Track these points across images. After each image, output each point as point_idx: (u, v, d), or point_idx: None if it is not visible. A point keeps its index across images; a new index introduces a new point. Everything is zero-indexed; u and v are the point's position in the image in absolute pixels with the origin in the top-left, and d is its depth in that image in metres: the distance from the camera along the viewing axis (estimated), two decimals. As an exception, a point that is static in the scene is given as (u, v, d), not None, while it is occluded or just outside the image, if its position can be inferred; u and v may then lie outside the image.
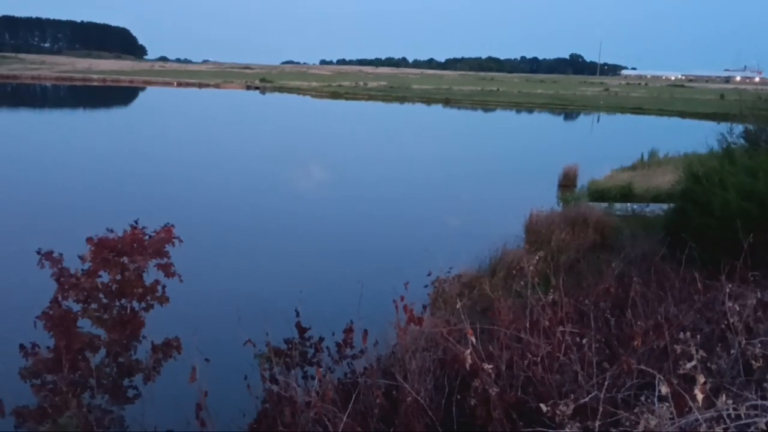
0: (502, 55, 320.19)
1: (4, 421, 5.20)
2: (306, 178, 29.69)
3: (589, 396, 4.09)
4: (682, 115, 79.87)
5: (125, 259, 6.58)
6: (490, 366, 4.53)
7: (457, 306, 5.15)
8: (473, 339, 4.67)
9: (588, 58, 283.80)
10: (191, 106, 78.45)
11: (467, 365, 4.44)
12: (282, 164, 33.37)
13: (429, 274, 8.29)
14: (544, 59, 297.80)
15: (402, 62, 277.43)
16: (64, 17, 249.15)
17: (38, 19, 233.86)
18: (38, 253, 6.35)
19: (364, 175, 30.82)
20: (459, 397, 4.78)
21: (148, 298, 6.70)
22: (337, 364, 5.89)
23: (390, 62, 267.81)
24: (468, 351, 4.47)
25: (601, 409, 3.88)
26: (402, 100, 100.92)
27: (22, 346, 6.08)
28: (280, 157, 36.04)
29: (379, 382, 5.09)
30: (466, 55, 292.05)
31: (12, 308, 9.85)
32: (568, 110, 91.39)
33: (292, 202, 23.60)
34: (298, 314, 6.43)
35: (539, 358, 4.93)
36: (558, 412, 3.83)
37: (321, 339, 6.14)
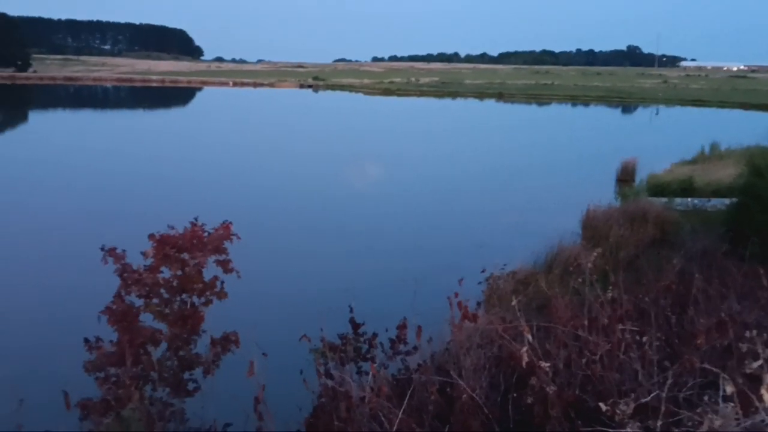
0: (557, 48, 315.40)
1: (69, 414, 5.36)
2: (359, 174, 29.82)
3: (651, 395, 3.99)
4: (744, 106, 77.13)
5: (185, 256, 6.73)
6: (548, 364, 4.47)
7: (513, 303, 5.09)
8: (530, 336, 4.61)
9: (646, 50, 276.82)
10: (247, 106, 79.67)
11: (524, 363, 4.39)
12: (336, 161, 33.58)
13: (483, 271, 8.23)
14: (601, 51, 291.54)
15: (454, 57, 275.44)
16: (123, 20, 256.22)
17: (99, 22, 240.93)
18: (102, 249, 6.54)
19: (418, 171, 30.77)
20: (515, 395, 4.73)
21: (208, 293, 6.84)
22: (391, 360, 5.91)
23: (442, 58, 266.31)
24: (524, 349, 4.42)
25: (663, 408, 3.78)
26: (454, 95, 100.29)
27: (86, 340, 6.27)
28: (335, 154, 36.29)
29: (434, 378, 5.07)
30: (520, 49, 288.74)
31: (79, 303, 10.19)
32: (626, 103, 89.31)
33: (347, 200, 23.74)
34: (351, 310, 6.47)
35: (598, 357, 4.84)
36: (618, 411, 3.75)
37: (375, 335, 6.16)
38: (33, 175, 26.34)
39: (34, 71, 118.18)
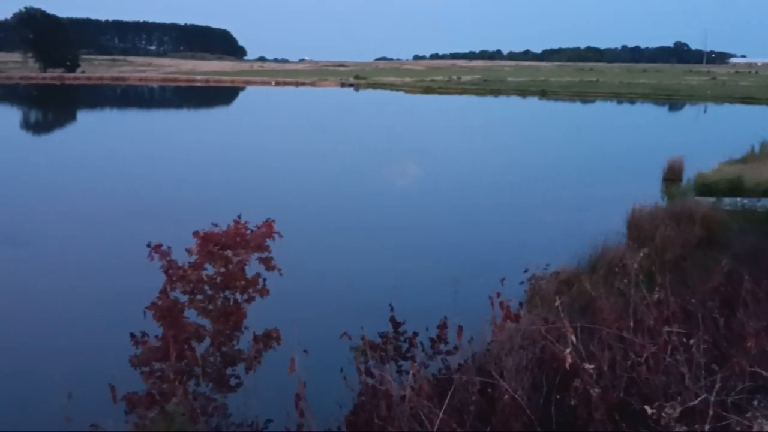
0: (601, 45, 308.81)
1: (115, 407, 5.47)
2: (400, 172, 29.81)
3: (698, 399, 3.90)
4: (797, 103, 74.88)
5: (229, 253, 6.81)
6: (592, 366, 4.40)
7: (556, 303, 5.02)
8: (573, 338, 4.54)
9: (693, 46, 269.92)
10: (288, 104, 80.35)
11: (567, 364, 4.33)
12: (376, 159, 33.64)
13: (525, 271, 8.14)
14: (647, 48, 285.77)
15: (497, 55, 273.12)
16: (169, 20, 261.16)
17: (145, 23, 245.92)
18: (148, 246, 6.67)
19: (459, 169, 30.64)
20: (558, 397, 4.67)
21: (250, 290, 6.91)
22: (431, 360, 5.88)
23: (484, 55, 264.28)
24: (568, 350, 4.36)
25: (710, 412, 3.69)
26: (496, 93, 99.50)
27: (132, 335, 6.40)
28: (375, 152, 36.35)
29: (475, 379, 5.04)
30: (564, 46, 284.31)
31: (124, 298, 10.40)
32: (673, 101, 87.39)
33: (388, 197, 23.77)
34: (392, 309, 6.47)
35: (644, 359, 4.74)
36: (664, 414, 3.68)
37: (415, 334, 6.15)
38: (81, 173, 27.00)
39: (83, 72, 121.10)
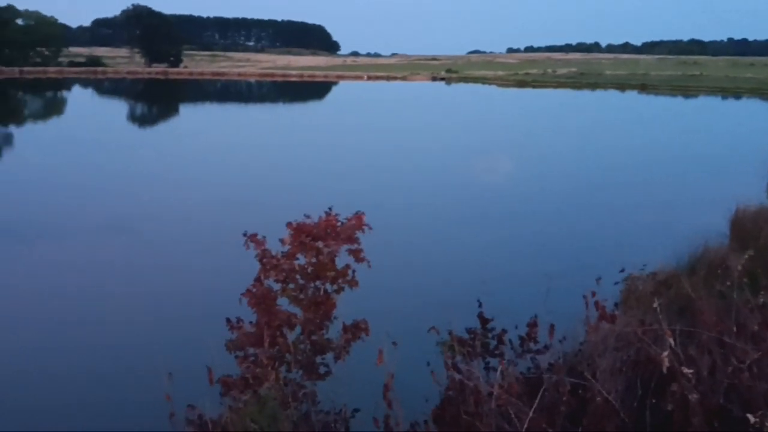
0: (705, 37, 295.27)
1: (211, 389, 5.68)
2: (492, 168, 29.50)
3: (806, 411, 3.67)
4: None
5: (320, 244, 6.94)
6: (691, 370, 4.22)
7: (654, 305, 4.84)
8: (672, 341, 4.37)
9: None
10: (379, 98, 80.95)
11: (664, 368, 4.17)
12: (469, 155, 33.43)
13: (622, 270, 7.89)
14: (755, 40, 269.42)
15: (594, 47, 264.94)
16: (267, 17, 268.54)
17: (244, 20, 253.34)
18: (244, 235, 6.89)
19: (553, 165, 30.03)
20: (654, 401, 4.51)
21: (340, 281, 7.02)
22: (520, 358, 5.80)
23: (581, 48, 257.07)
24: (666, 353, 4.20)
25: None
26: (593, 87, 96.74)
27: (228, 320, 6.63)
28: (467, 147, 36.12)
29: (566, 379, 4.93)
30: (665, 38, 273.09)
31: (220, 284, 10.81)
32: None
33: (479, 193, 23.58)
34: (480, 305, 6.42)
35: (746, 365, 4.50)
36: (768, 424, 3.49)
37: (504, 331, 6.07)
38: (184, 164, 28.18)
39: (185, 67, 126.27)
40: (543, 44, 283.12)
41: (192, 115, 58.64)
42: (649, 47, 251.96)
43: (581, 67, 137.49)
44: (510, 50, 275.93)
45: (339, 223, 7.18)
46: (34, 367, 8.93)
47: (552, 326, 5.45)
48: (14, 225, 16.89)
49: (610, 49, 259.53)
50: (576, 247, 15.77)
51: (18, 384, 8.44)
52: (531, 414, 4.20)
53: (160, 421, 5.24)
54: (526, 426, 4.16)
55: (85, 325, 10.43)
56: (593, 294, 5.37)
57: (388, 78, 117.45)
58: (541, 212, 20.23)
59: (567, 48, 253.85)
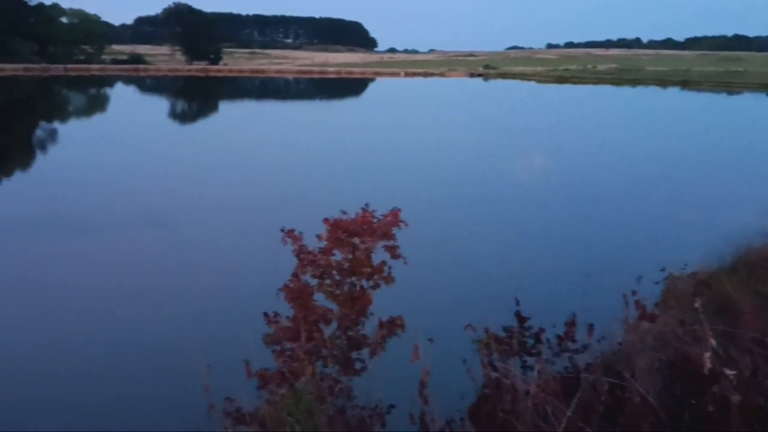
0: (750, 32, 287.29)
1: (248, 382, 5.75)
2: (528, 163, 29.25)
3: None
4: None
5: (356, 240, 6.97)
6: (733, 372, 4.13)
7: (696, 305, 4.75)
8: (713, 341, 4.28)
9: None
10: (415, 95, 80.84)
11: (705, 369, 4.09)
12: (505, 150, 33.20)
13: (663, 270, 7.77)
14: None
15: (635, 43, 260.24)
16: (305, 14, 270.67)
17: (283, 17, 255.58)
18: (282, 230, 6.95)
19: (592, 161, 29.65)
20: (693, 402, 4.43)
21: (376, 277, 7.04)
22: (557, 357, 5.74)
23: (622, 43, 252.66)
24: (707, 354, 4.12)
25: None
26: (634, 83, 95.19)
27: (265, 314, 6.70)
28: (503, 143, 35.88)
29: (604, 379, 4.87)
30: (709, 33, 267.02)
31: (258, 278, 10.91)
32: (832, 92, 79.97)
33: (516, 189, 23.41)
34: (517, 303, 6.37)
35: (790, 367, 4.40)
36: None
37: (542, 330, 6.02)
38: (223, 160, 28.51)
39: (225, 64, 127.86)
40: (583, 40, 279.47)
41: (231, 112, 59.32)
42: (692, 43, 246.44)
43: (621, 63, 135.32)
44: (549, 46, 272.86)
45: (375, 220, 7.21)
46: (74, 362, 9.14)
47: (591, 325, 5.38)
48: (55, 220, 17.31)
49: (652, 44, 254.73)
50: (615, 245, 15.55)
51: (59, 380, 8.65)
52: (568, 413, 4.16)
53: (199, 414, 5.32)
54: (564, 425, 4.12)
55: (125, 321, 10.63)
56: (634, 293, 5.30)
57: (425, 74, 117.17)
58: (577, 208, 19.99)
59: (607, 44, 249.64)
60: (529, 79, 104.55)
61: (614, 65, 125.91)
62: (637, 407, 4.38)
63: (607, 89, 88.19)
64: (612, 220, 18.53)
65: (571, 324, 5.73)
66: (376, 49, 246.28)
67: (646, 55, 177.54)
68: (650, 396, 4.49)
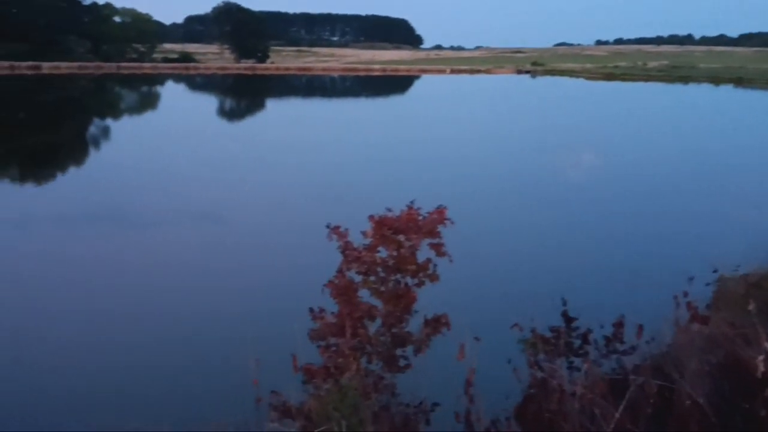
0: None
1: (295, 376, 5.83)
2: (574, 162, 28.85)
3: None
4: None
5: (401, 237, 7.00)
6: (789, 376, 4.02)
7: (750, 307, 4.64)
8: (767, 344, 4.18)
9: None
10: (461, 92, 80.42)
11: (759, 372, 3.99)
12: (552, 148, 32.79)
13: (715, 271, 7.59)
14: None
15: (687, 39, 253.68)
16: (351, 12, 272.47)
17: (329, 15, 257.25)
18: (327, 227, 7.02)
19: (639, 158, 29.07)
20: (745, 405, 4.33)
21: (421, 274, 7.05)
22: (605, 358, 5.67)
23: (674, 40, 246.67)
24: (761, 357, 4.02)
25: None
26: (685, 80, 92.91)
27: (311, 310, 6.77)
28: (550, 140, 35.44)
29: (652, 381, 4.79)
30: (763, 30, 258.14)
31: (304, 274, 11.02)
32: None
33: (563, 187, 23.10)
34: (564, 303, 6.31)
35: None
36: None
37: (589, 330, 5.95)
38: (271, 157, 28.84)
39: (272, 62, 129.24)
40: (633, 36, 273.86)
41: (278, 110, 59.99)
42: (746, 39, 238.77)
43: (673, 59, 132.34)
44: (598, 42, 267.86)
45: (420, 217, 7.22)
46: (126, 356, 9.37)
47: (641, 327, 5.30)
48: (110, 214, 17.76)
49: (705, 41, 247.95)
50: (665, 245, 15.21)
51: (112, 373, 8.88)
52: (617, 415, 4.11)
53: (246, 407, 5.43)
54: (612, 426, 4.07)
55: (175, 316, 10.84)
56: (685, 294, 5.19)
57: (471, 71, 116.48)
58: (625, 205, 19.62)
59: (659, 40, 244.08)
60: (577, 76, 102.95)
61: (665, 62, 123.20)
62: (687, 410, 4.30)
63: (658, 86, 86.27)
64: (663, 218, 18.13)
65: (619, 325, 5.66)
66: (422, 46, 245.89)
67: (698, 52, 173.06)
68: (700, 399, 4.41)
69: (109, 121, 47.73)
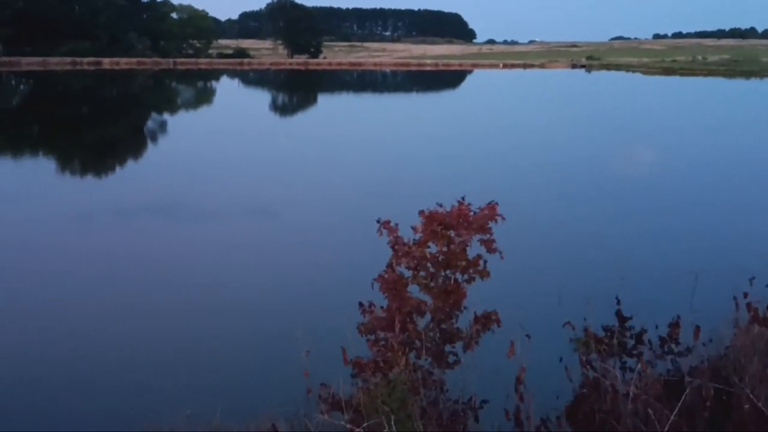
0: None
1: (344, 369, 5.86)
2: (631, 158, 28.22)
3: None
4: None
5: (452, 233, 6.94)
6: None
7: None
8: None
9: None
10: (513, 87, 79.51)
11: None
12: (605, 144, 32.19)
13: (776, 272, 7.33)
14: None
15: (749, 33, 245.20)
16: (403, 6, 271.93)
17: (381, 10, 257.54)
18: (378, 222, 7.01)
19: (697, 153, 28.29)
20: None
21: (471, 271, 6.98)
22: (659, 359, 5.53)
23: (735, 33, 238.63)
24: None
25: None
26: (747, 75, 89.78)
27: (360, 304, 6.79)
28: (602, 136, 34.78)
29: (709, 384, 4.66)
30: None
31: (354, 268, 11.08)
32: None
33: (617, 183, 22.64)
34: (618, 302, 6.18)
35: None
36: None
37: (644, 330, 5.82)
38: (323, 152, 29.07)
39: (324, 57, 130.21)
40: (693, 30, 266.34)
41: (329, 105, 60.42)
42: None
43: (735, 53, 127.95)
44: (656, 36, 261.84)
45: (471, 213, 7.14)
46: (183, 347, 9.59)
47: (698, 327, 5.15)
48: (168, 208, 18.18)
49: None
50: (725, 245, 14.77)
51: (170, 364, 9.09)
52: (672, 417, 4.00)
53: (297, 398, 5.49)
54: (666, 429, 3.97)
55: (229, 310, 11.02)
56: (745, 295, 5.02)
57: (524, 66, 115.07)
58: (683, 204, 19.11)
59: (719, 34, 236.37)
60: (634, 71, 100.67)
61: (727, 56, 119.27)
62: (746, 414, 4.16)
63: (719, 81, 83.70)
64: (725, 219, 17.59)
65: (675, 325, 5.51)
66: (474, 40, 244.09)
67: (762, 45, 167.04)
68: (760, 403, 4.26)
69: (166, 116, 48.85)
